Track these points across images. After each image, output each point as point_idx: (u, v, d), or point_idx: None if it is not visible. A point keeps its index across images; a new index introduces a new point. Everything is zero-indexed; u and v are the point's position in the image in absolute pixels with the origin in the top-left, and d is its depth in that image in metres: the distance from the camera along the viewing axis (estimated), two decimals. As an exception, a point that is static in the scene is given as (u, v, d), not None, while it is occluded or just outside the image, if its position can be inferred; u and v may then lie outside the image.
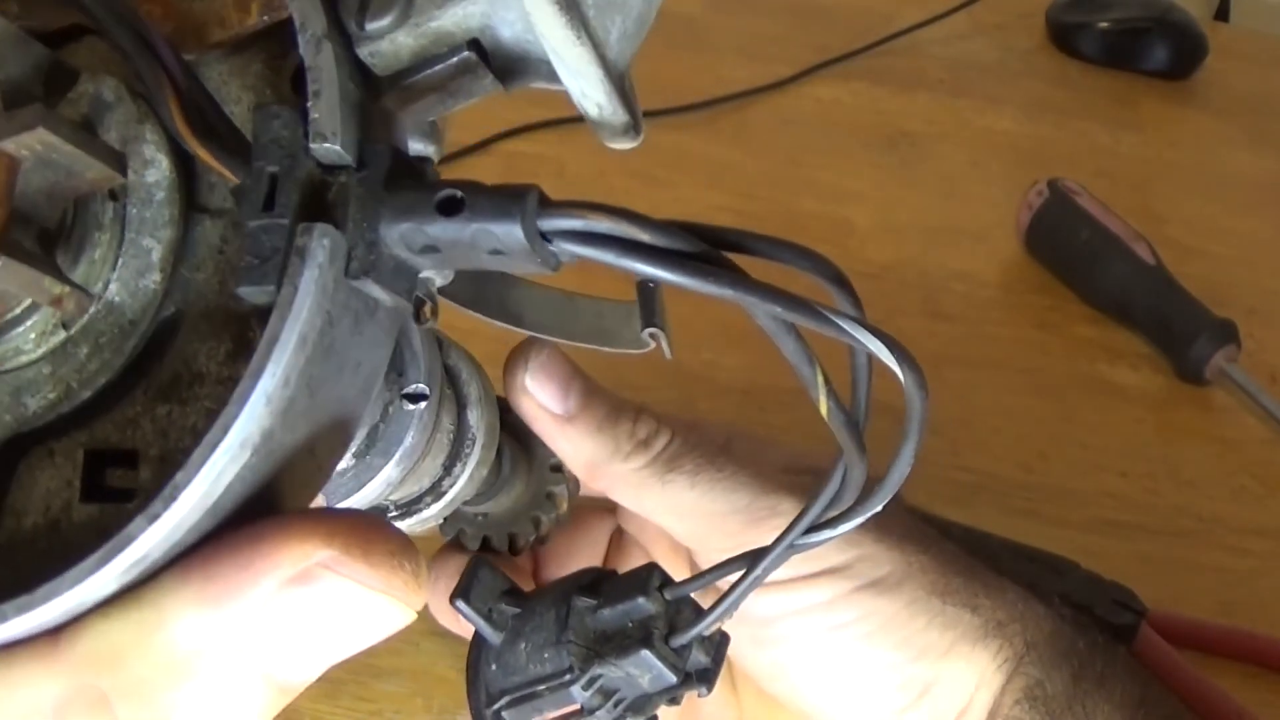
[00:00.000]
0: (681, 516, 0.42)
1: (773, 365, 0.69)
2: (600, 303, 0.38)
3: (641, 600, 0.36)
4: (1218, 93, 0.98)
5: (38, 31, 0.27)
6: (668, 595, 0.36)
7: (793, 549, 0.32)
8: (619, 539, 0.50)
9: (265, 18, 0.27)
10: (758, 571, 0.32)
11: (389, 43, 0.26)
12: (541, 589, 0.39)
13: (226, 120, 0.27)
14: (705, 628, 0.35)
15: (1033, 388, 0.72)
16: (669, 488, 0.41)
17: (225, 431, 0.22)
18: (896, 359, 0.24)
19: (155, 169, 0.27)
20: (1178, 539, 0.66)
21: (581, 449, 0.41)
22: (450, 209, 0.23)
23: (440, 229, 0.24)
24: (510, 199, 0.23)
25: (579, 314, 0.38)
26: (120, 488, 0.27)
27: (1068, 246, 0.77)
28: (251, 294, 0.23)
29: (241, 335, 0.27)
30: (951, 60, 0.97)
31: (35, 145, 0.23)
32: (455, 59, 0.27)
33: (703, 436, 0.43)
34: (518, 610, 0.38)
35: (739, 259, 0.23)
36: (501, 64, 0.27)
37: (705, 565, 0.44)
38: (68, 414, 0.27)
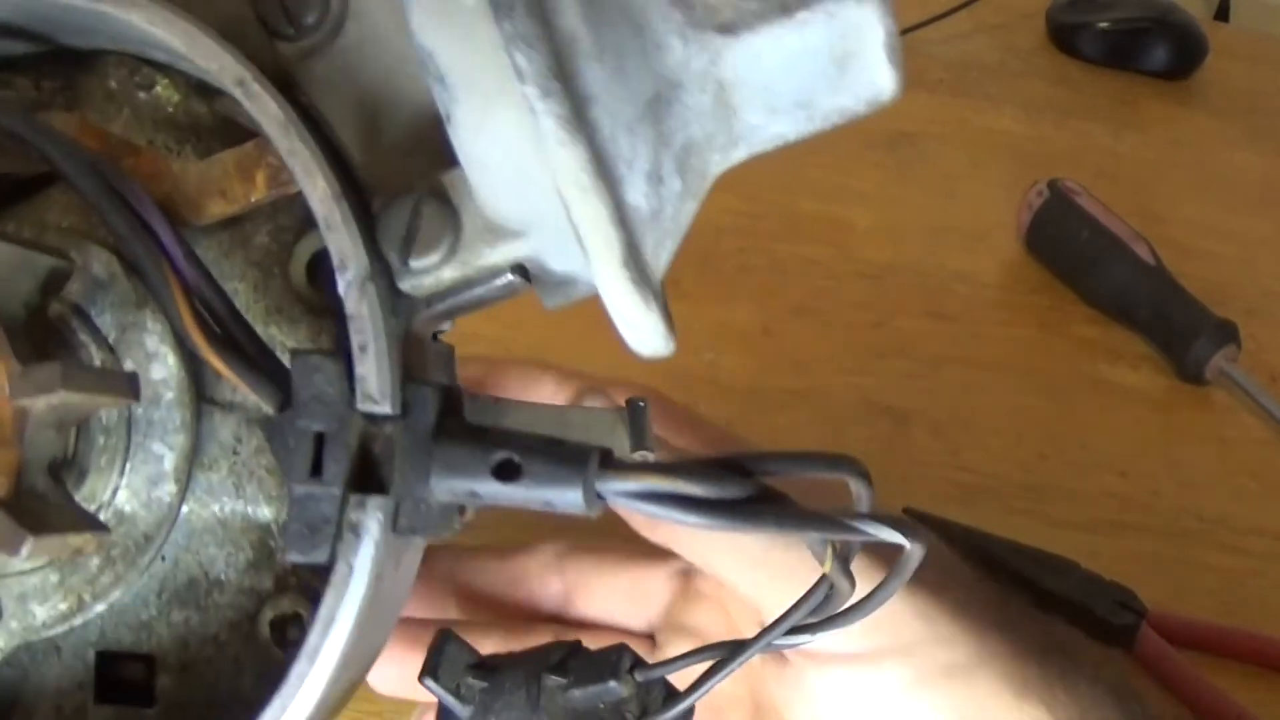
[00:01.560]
0: (749, 565, 0.40)
1: (773, 366, 0.70)
2: (588, 413, 0.38)
3: (613, 684, 0.35)
4: (1218, 93, 0.98)
5: (12, 177, 0.26)
6: (639, 677, 0.35)
7: (771, 647, 0.31)
8: (685, 585, 0.46)
9: (273, 192, 0.25)
10: (732, 665, 0.32)
11: (432, 277, 0.25)
12: (507, 660, 0.38)
13: (242, 320, 0.25)
14: (677, 714, 0.35)
15: (1033, 388, 0.72)
16: (731, 534, 0.38)
17: (283, 710, 0.22)
18: (908, 539, 0.25)
19: (160, 364, 0.25)
20: (1178, 539, 0.65)
21: None
22: (507, 475, 0.23)
23: (494, 491, 0.23)
24: (572, 468, 0.23)
25: (569, 428, 0.38)
26: (137, 687, 0.26)
27: (1068, 247, 0.77)
28: (300, 559, 0.22)
29: (262, 543, 0.26)
30: (951, 60, 0.97)
31: (53, 403, 0.22)
32: (500, 283, 0.25)
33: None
34: (485, 685, 0.37)
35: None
36: (544, 285, 0.26)
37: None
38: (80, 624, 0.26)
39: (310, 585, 0.26)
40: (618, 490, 0.23)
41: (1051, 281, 0.78)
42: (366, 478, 0.23)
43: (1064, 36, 0.99)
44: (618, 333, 0.25)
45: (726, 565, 0.40)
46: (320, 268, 0.26)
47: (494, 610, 0.46)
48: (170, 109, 0.27)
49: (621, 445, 0.36)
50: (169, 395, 0.25)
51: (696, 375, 0.68)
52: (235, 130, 0.27)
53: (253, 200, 0.25)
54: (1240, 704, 0.56)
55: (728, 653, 0.32)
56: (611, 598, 0.46)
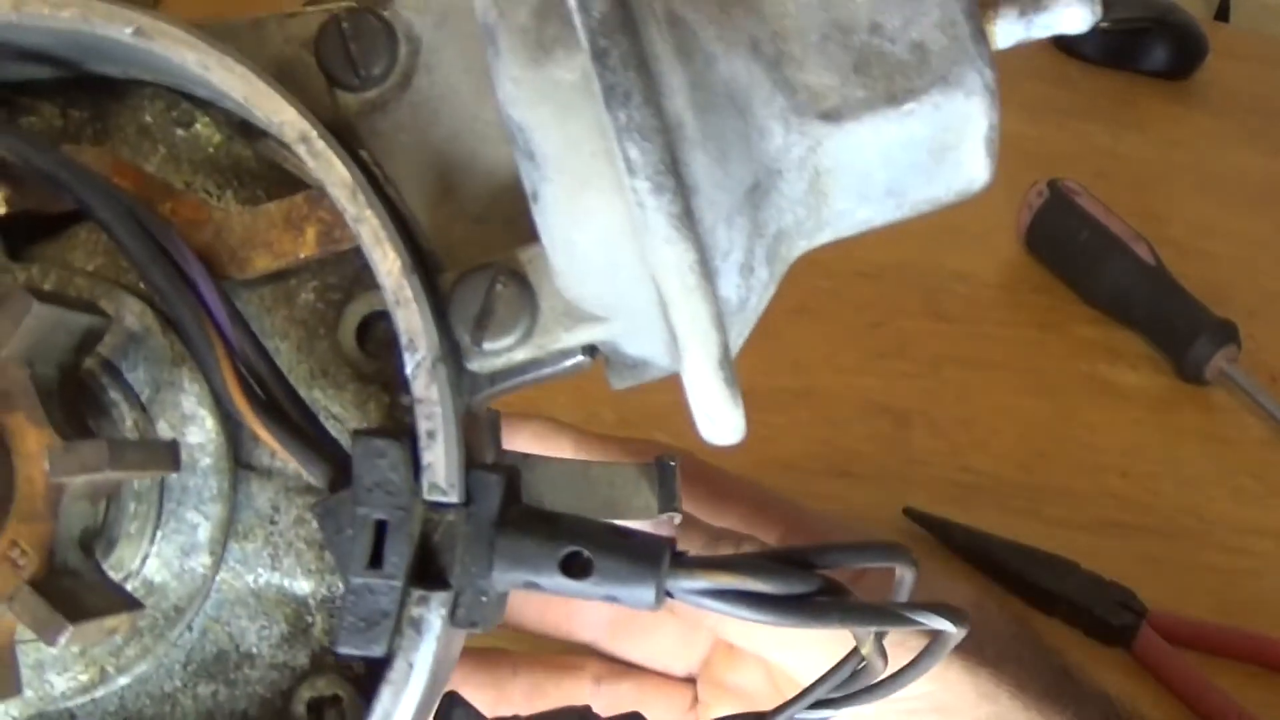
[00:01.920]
0: (797, 649, 0.38)
1: (772, 366, 0.69)
2: (613, 469, 0.37)
3: None
4: (1218, 93, 0.97)
5: (35, 214, 0.24)
6: None
7: None
8: (726, 653, 0.45)
9: (323, 250, 0.23)
10: None
11: (504, 359, 0.23)
12: None
13: (289, 386, 0.23)
14: None
15: (1033, 388, 0.72)
16: None
17: None
18: (954, 624, 0.25)
19: (198, 428, 0.24)
20: (1178, 539, 0.66)
21: None
22: (577, 571, 0.22)
23: (559, 585, 0.22)
24: (644, 566, 0.22)
25: (593, 486, 0.37)
26: None
27: (1068, 247, 0.77)
28: (355, 654, 0.21)
29: (298, 619, 0.25)
30: (951, 60, 0.96)
31: (95, 480, 0.21)
32: (569, 363, 0.24)
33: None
34: None
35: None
36: (615, 366, 0.25)
37: None
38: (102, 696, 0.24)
39: (349, 667, 0.25)
40: (688, 589, 0.22)
41: (1051, 281, 0.78)
42: (425, 568, 0.22)
43: (1064, 36, 0.98)
44: (691, 416, 0.24)
45: (773, 645, 0.39)
46: (370, 332, 0.25)
47: (534, 626, 0.45)
48: (210, 150, 0.25)
49: (649, 504, 0.35)
50: (206, 461, 0.24)
51: (696, 375, 0.68)
52: (280, 176, 0.25)
53: (301, 256, 0.23)
54: (1240, 704, 0.56)
55: None
56: (659, 639, 0.45)
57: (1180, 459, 0.69)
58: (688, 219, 0.20)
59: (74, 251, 0.25)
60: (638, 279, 0.22)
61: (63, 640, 0.20)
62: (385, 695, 0.21)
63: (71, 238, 0.25)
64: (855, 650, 0.29)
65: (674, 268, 0.21)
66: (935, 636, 0.26)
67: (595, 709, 0.31)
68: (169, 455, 0.22)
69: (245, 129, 0.25)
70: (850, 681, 0.29)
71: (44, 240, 0.24)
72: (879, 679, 0.29)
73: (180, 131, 0.25)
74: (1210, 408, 0.73)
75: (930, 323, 0.75)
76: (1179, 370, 0.73)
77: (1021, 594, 0.62)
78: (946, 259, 0.79)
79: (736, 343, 0.24)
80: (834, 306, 0.73)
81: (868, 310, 0.74)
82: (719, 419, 0.23)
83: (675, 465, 0.30)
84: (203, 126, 0.25)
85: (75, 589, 0.21)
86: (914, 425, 0.68)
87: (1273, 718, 0.58)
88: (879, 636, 0.26)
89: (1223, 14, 1.11)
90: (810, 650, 0.38)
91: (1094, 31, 0.98)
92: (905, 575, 0.25)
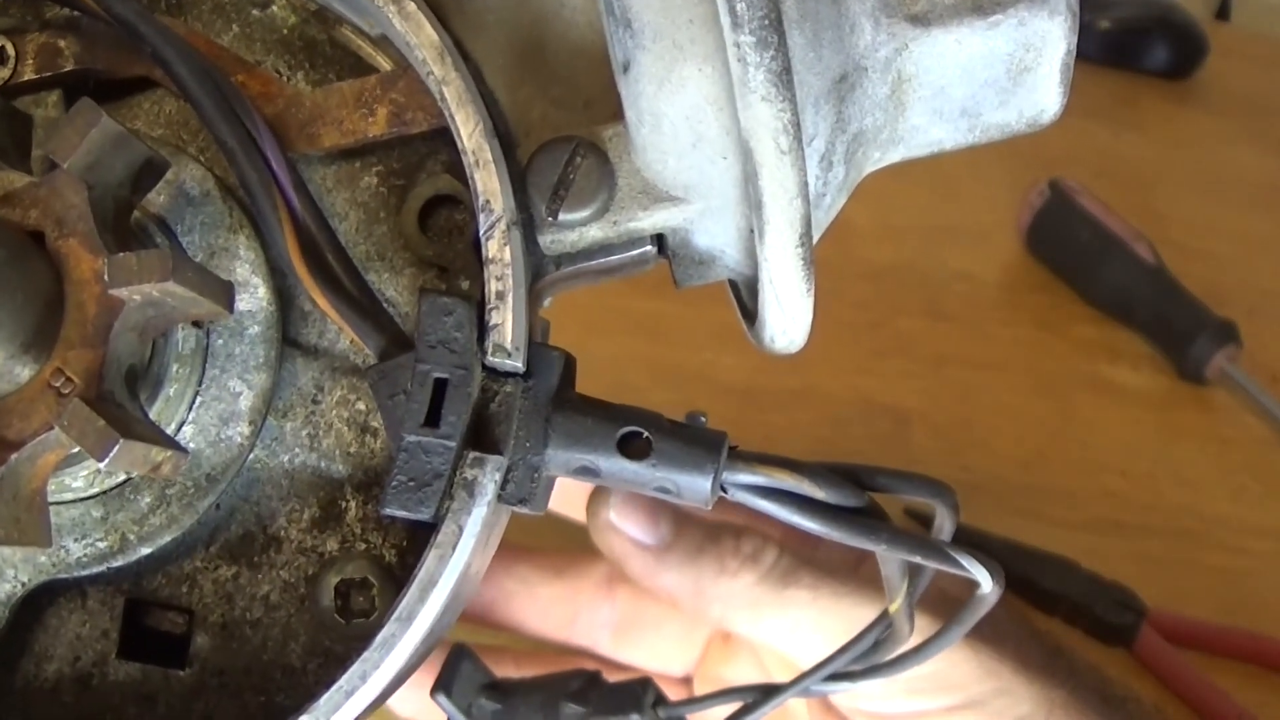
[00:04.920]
0: (805, 635, 0.39)
1: (772, 366, 0.69)
2: None
3: (635, 718, 0.35)
4: (1218, 92, 0.97)
5: (101, 77, 0.24)
6: (662, 714, 0.35)
7: (808, 693, 0.31)
8: (726, 641, 0.46)
9: (392, 130, 0.23)
10: (764, 708, 0.31)
11: (576, 234, 0.23)
12: (524, 685, 0.37)
13: (348, 258, 0.23)
14: None
15: (1033, 388, 0.72)
16: (788, 603, 0.38)
17: (364, 680, 0.21)
18: (993, 581, 0.25)
19: (250, 295, 0.24)
20: (1178, 539, 0.66)
21: (685, 575, 0.38)
22: (635, 452, 0.22)
23: (616, 466, 0.22)
24: (703, 452, 0.22)
25: None
26: (169, 645, 0.24)
27: (1069, 246, 0.77)
28: (401, 514, 0.21)
29: (331, 502, 0.24)
30: (952, 60, 0.96)
31: (153, 294, 0.20)
32: (635, 252, 0.24)
33: (826, 554, 0.40)
34: (498, 707, 0.36)
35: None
36: (681, 260, 0.25)
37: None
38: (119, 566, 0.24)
39: (380, 555, 0.24)
40: (743, 483, 0.22)
41: (1052, 281, 0.78)
42: (479, 437, 0.21)
43: (1064, 36, 0.98)
44: (763, 319, 0.23)
45: (780, 632, 0.39)
46: (431, 218, 0.24)
47: (535, 629, 0.45)
48: (285, 31, 0.25)
49: None
50: (254, 329, 0.24)
51: (695, 374, 0.68)
52: (354, 63, 0.25)
53: (370, 136, 0.23)
54: (1240, 704, 0.56)
55: (759, 695, 0.32)
56: (659, 641, 0.45)
57: (1180, 459, 0.69)
58: (787, 77, 0.20)
59: (135, 120, 0.25)
60: (722, 154, 0.22)
61: (113, 453, 0.20)
62: (430, 559, 0.21)
63: (134, 106, 0.25)
64: (879, 618, 0.29)
65: (769, 127, 0.21)
66: (970, 597, 0.26)
67: None
68: (224, 293, 0.21)
69: (321, 15, 0.25)
70: (870, 654, 0.29)
71: (106, 105, 0.24)
72: (902, 650, 0.29)
73: (256, 11, 0.25)
74: (1210, 408, 0.73)
75: (930, 323, 0.75)
76: (1179, 370, 0.73)
77: (1022, 594, 0.62)
78: (946, 259, 0.79)
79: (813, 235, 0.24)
80: (834, 306, 0.73)
81: (868, 310, 0.74)
82: (791, 305, 0.23)
83: (706, 418, 0.31)
84: (279, 8, 0.25)
85: (123, 416, 0.21)
86: (914, 425, 0.68)
87: (1273, 717, 0.58)
88: (910, 595, 0.26)
89: (1223, 14, 1.11)
90: (816, 637, 0.39)
91: (1094, 31, 0.98)
92: (946, 520, 0.24)
